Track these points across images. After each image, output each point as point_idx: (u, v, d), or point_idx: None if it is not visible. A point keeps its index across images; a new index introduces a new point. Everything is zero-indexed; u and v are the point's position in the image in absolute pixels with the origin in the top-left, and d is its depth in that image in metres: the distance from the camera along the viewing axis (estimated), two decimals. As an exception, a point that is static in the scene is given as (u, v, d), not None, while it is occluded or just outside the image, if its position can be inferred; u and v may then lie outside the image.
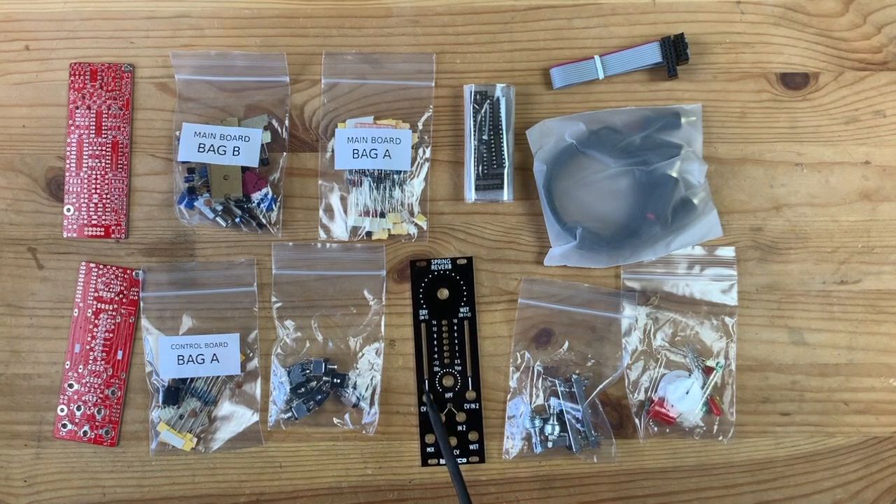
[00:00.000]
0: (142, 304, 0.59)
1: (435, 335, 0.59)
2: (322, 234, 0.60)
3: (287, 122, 0.60)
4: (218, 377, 0.58)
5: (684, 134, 0.60)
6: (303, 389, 0.58)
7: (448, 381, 0.59)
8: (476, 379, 0.59)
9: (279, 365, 0.58)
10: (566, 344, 0.59)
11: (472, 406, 0.59)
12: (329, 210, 0.60)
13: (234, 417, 0.58)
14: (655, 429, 0.59)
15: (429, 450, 0.59)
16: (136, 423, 0.59)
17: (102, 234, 0.59)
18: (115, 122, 0.60)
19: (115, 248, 0.60)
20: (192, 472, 0.59)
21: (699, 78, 0.61)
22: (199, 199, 0.58)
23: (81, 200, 0.59)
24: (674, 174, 0.59)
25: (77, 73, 0.60)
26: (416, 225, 0.59)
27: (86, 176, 0.59)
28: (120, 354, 0.58)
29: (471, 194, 0.59)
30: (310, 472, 0.59)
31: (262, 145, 0.59)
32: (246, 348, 0.59)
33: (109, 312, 0.59)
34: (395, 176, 0.59)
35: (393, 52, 0.61)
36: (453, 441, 0.59)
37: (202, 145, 0.58)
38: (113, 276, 0.59)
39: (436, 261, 0.60)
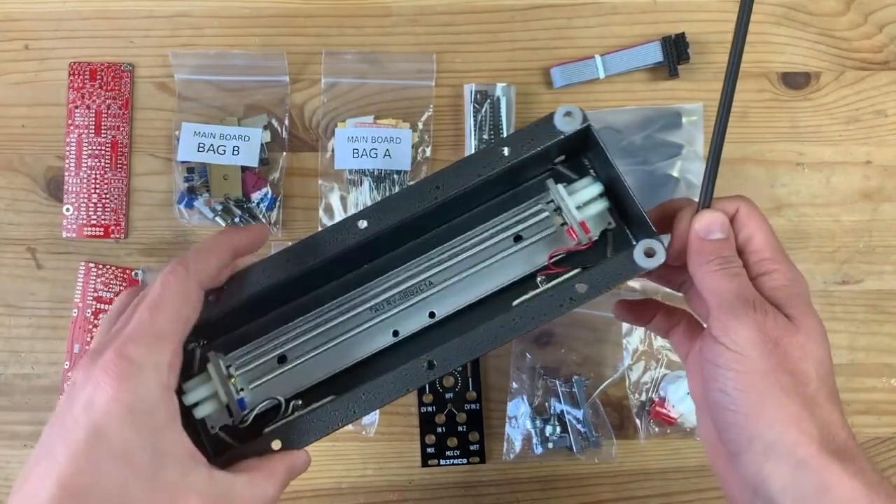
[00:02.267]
0: (141, 305, 0.58)
1: (435, 335, 0.59)
2: (322, 234, 0.59)
3: (287, 122, 0.60)
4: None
5: (685, 134, 0.60)
6: (303, 390, 0.58)
7: (448, 382, 0.59)
8: (476, 379, 0.59)
9: (279, 365, 0.58)
10: (566, 344, 0.59)
11: (473, 407, 0.59)
12: (329, 210, 0.60)
13: (234, 418, 0.58)
14: (656, 429, 0.59)
15: (429, 450, 0.59)
16: (135, 424, 0.58)
17: (102, 234, 0.59)
18: (115, 122, 0.60)
19: (115, 248, 0.60)
20: (192, 472, 0.58)
21: (700, 77, 0.61)
22: (199, 198, 0.58)
23: (81, 200, 0.59)
24: (675, 174, 0.59)
25: (76, 72, 0.60)
26: (416, 225, 0.59)
27: (85, 176, 0.59)
28: (119, 354, 0.58)
29: (471, 194, 0.59)
30: (310, 472, 0.58)
31: (262, 145, 0.59)
32: (246, 348, 0.58)
33: (109, 312, 0.58)
34: (395, 175, 0.59)
35: (393, 52, 0.61)
36: (454, 442, 0.59)
37: (202, 145, 0.58)
38: (112, 277, 0.59)
39: (436, 261, 0.60)
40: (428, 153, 0.60)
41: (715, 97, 0.61)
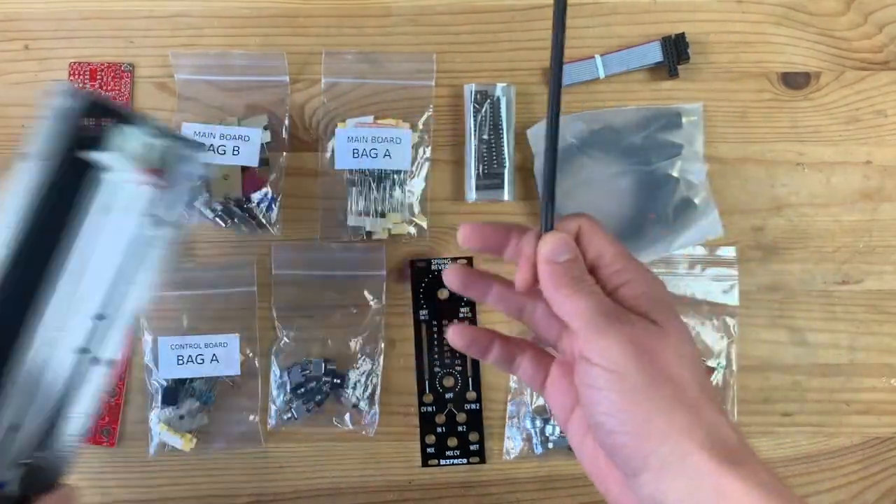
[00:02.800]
0: (141, 305, 0.58)
1: (435, 335, 0.59)
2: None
3: (287, 122, 0.60)
4: (217, 377, 0.58)
5: (685, 133, 0.60)
6: (302, 390, 0.58)
7: (448, 382, 0.59)
8: (476, 379, 0.59)
9: (279, 365, 0.58)
10: (567, 344, 0.59)
11: (473, 407, 0.59)
12: (329, 210, 0.60)
13: (234, 418, 0.58)
14: (656, 429, 0.59)
15: (429, 450, 0.59)
16: (135, 424, 0.58)
17: (102, 233, 0.59)
18: (115, 122, 0.60)
19: (115, 248, 0.60)
20: (192, 472, 0.58)
21: (700, 77, 0.61)
22: (199, 198, 0.58)
23: (81, 200, 0.59)
24: (675, 174, 0.59)
25: (76, 72, 0.60)
26: (416, 225, 0.59)
27: (85, 176, 0.59)
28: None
29: (471, 194, 0.59)
30: (310, 472, 0.59)
31: (262, 145, 0.59)
32: (246, 348, 0.58)
33: (109, 312, 0.58)
34: (395, 176, 0.59)
35: (393, 52, 0.61)
36: (454, 442, 0.59)
37: (202, 145, 0.58)
38: (112, 276, 0.59)
39: (436, 261, 0.60)
40: (428, 153, 0.60)
41: (715, 97, 0.61)
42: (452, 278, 0.41)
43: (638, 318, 0.35)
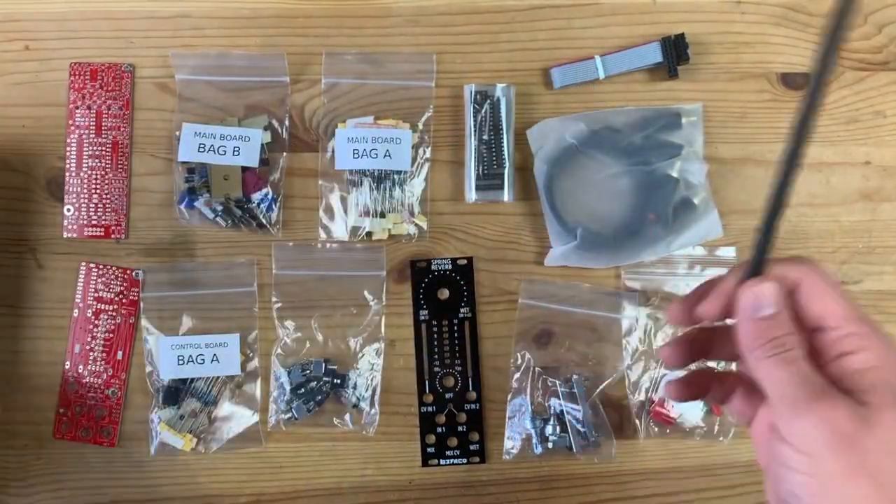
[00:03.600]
0: (142, 305, 0.59)
1: (435, 335, 0.59)
2: (322, 234, 0.60)
3: (287, 122, 0.60)
4: (218, 377, 0.58)
5: (685, 134, 0.60)
6: (303, 390, 0.58)
7: (448, 382, 0.59)
8: (476, 379, 0.59)
9: (279, 365, 0.58)
10: (566, 344, 0.59)
11: (473, 406, 0.59)
12: (329, 210, 0.60)
13: (234, 418, 0.58)
14: (656, 429, 0.59)
15: (429, 450, 0.59)
16: (135, 424, 0.58)
17: (102, 234, 0.59)
18: (115, 122, 0.60)
19: (115, 249, 0.60)
20: (192, 472, 0.58)
21: (700, 78, 0.61)
22: (199, 199, 0.58)
23: (81, 200, 0.59)
24: (674, 174, 0.59)
25: (77, 73, 0.60)
26: (416, 225, 0.59)
27: (86, 176, 0.59)
28: (120, 355, 0.58)
29: (471, 194, 0.59)
30: (310, 472, 0.59)
31: (262, 145, 0.59)
32: (246, 348, 0.58)
33: (109, 313, 0.59)
34: (395, 176, 0.59)
35: (393, 52, 0.61)
36: (454, 442, 0.59)
37: (202, 145, 0.58)
38: (113, 277, 0.59)
39: (436, 261, 0.60)
40: (428, 154, 0.60)
41: (714, 97, 0.61)
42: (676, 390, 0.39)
43: (844, 397, 0.30)
